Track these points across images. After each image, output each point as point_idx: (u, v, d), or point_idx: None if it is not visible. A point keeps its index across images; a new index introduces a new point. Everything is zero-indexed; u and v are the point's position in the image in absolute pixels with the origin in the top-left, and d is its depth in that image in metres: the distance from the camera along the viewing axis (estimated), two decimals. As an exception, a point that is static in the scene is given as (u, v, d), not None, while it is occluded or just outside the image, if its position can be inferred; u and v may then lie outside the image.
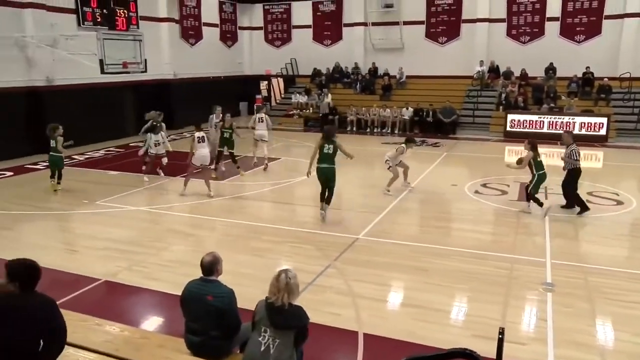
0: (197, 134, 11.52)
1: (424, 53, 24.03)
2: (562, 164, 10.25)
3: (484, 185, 12.27)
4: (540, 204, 10.01)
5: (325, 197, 9.57)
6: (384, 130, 21.50)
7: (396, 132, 21.19)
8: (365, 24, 24.96)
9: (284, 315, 3.76)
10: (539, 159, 9.90)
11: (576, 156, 9.87)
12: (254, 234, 8.96)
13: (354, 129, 21.97)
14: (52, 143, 11.62)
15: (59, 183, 11.89)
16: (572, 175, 9.96)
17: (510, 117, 19.91)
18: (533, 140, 10.20)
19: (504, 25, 22.71)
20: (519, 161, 10.25)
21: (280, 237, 8.79)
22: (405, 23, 24.06)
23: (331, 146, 9.42)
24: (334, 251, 8.06)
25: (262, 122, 14.05)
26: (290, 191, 12.25)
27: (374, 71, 24.68)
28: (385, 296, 6.68)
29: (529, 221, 9.76)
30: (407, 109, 21.37)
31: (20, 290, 3.40)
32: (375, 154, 17.16)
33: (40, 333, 3.34)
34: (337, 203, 11.29)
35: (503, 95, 21.10)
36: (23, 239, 8.79)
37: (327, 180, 9.48)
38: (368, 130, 21.76)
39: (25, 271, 3.45)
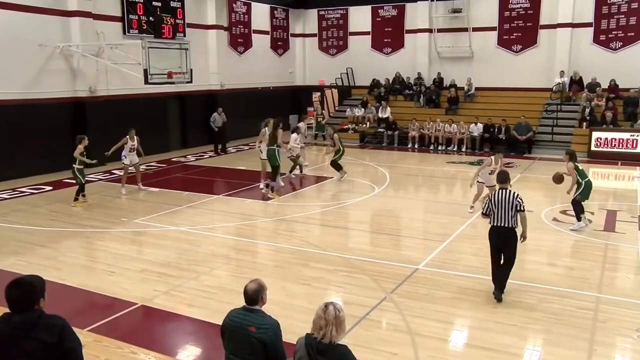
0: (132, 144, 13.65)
1: (495, 62, 23.66)
2: None
3: (564, 212, 11.82)
4: (580, 217, 10.45)
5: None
6: (449, 148, 21.21)
7: (463, 150, 20.86)
8: (430, 31, 24.89)
9: (326, 356, 3.70)
10: (580, 168, 10.59)
11: None
12: (302, 261, 8.99)
13: (416, 145, 21.81)
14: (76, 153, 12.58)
15: (76, 199, 12.70)
16: None
17: (595, 134, 19.22)
18: (571, 150, 11.00)
19: (591, 30, 22.03)
20: (558, 178, 10.67)
21: (332, 264, 8.78)
22: (475, 29, 23.84)
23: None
24: (391, 282, 7.96)
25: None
26: (343, 214, 12.26)
27: (439, 82, 24.51)
28: (447, 335, 6.52)
29: (619, 255, 9.33)
30: (476, 124, 21.02)
31: (19, 313, 3.36)
32: (439, 174, 16.99)
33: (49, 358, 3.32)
34: (395, 229, 11.22)
35: (587, 110, 20.41)
36: (61, 258, 9.19)
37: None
38: (432, 147, 21.55)
39: (17, 292, 3.37)
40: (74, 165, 12.48)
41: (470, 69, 23.98)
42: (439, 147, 21.44)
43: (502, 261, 7.28)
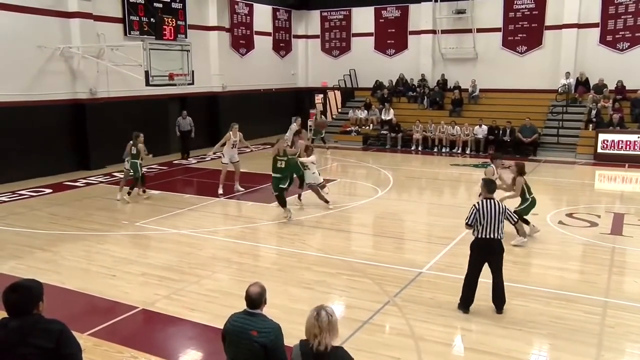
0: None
1: (500, 64, 23.64)
2: None
3: (570, 215, 11.82)
4: (528, 222, 10.22)
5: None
6: (453, 150, 21.20)
7: (467, 152, 20.85)
8: (434, 32, 24.90)
9: None
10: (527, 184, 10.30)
11: None
12: (305, 264, 8.98)
13: (420, 148, 21.81)
14: (134, 150, 13.19)
15: (129, 193, 13.30)
16: None
17: (602, 137, 19.18)
18: (521, 163, 10.58)
19: (597, 30, 21.96)
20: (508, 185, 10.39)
21: (334, 268, 8.77)
22: (479, 30, 23.82)
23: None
24: (394, 286, 7.95)
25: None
26: (346, 217, 12.23)
27: (443, 84, 24.50)
28: (451, 339, 6.50)
29: (626, 259, 9.29)
30: (481, 126, 21.02)
31: (16, 318, 3.35)
32: (442, 177, 16.96)
33: None
34: (399, 232, 11.20)
35: (594, 112, 20.38)
36: (60, 262, 9.19)
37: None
38: (435, 150, 21.54)
39: (14, 296, 3.36)
40: (135, 161, 13.08)
41: (474, 71, 23.98)
42: (443, 150, 21.43)
43: (479, 275, 7.01)
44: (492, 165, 11.00)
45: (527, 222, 10.19)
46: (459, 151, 21.09)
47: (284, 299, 7.36)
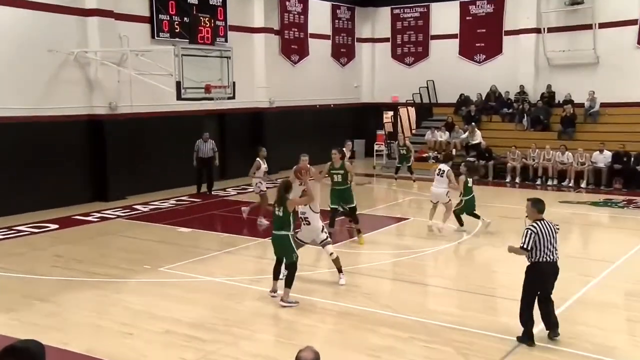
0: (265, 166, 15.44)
1: (631, 70, 22.69)
2: None
3: None
4: (462, 224, 14.18)
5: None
6: (563, 184, 20.75)
7: (583, 186, 20.30)
8: (538, 31, 24.66)
9: None
10: (469, 185, 14.20)
11: None
12: (369, 325, 8.87)
13: (517, 179, 21.50)
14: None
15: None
16: None
17: None
18: (469, 162, 13.47)
19: None
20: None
21: (406, 331, 8.62)
22: (602, 25, 23.18)
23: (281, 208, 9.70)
24: (483, 358, 7.73)
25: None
26: (422, 266, 12.11)
27: (549, 98, 24.18)
28: None
29: None
30: (602, 152, 20.50)
31: None
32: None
33: None
34: (490, 288, 10.92)
35: None
36: (66, 315, 9.38)
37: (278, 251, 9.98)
38: (538, 182, 21.18)
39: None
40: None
41: (593, 79, 23.35)
42: (549, 182, 20.99)
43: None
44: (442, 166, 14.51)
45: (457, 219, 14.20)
46: (570, 184, 20.66)
47: (342, 369, 7.26)
